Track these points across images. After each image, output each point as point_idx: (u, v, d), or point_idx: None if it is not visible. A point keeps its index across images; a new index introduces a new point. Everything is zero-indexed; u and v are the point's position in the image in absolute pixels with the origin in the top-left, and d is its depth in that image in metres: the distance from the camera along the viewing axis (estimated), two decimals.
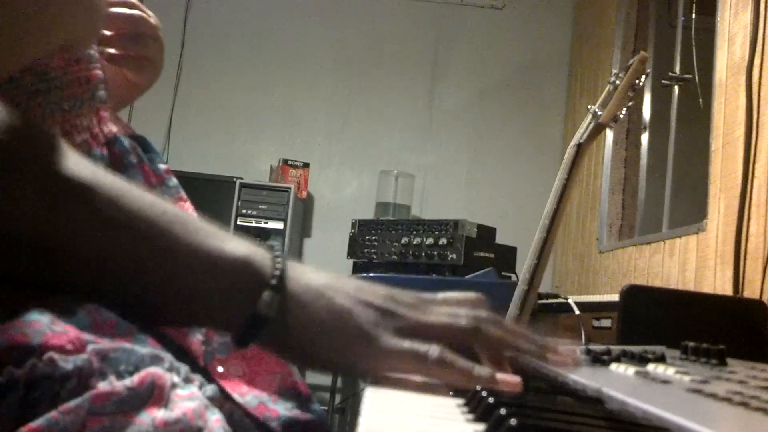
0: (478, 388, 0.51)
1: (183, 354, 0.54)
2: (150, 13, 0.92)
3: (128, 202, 0.52)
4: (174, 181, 0.75)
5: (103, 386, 0.42)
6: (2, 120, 0.49)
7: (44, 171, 0.50)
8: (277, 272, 0.53)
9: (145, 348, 0.46)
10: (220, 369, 0.60)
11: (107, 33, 0.86)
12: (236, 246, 0.54)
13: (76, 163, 0.51)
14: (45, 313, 0.46)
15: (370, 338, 0.54)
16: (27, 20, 0.55)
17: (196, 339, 0.61)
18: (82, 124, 0.64)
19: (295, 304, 0.53)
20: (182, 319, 0.55)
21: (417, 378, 0.57)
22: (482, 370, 0.56)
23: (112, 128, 0.69)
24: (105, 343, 0.45)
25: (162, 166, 0.74)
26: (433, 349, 0.54)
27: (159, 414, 0.43)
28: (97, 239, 0.51)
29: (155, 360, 0.46)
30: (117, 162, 0.66)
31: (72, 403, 0.41)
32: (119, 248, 0.51)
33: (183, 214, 0.54)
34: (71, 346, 0.44)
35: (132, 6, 0.89)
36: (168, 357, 0.47)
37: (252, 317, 0.52)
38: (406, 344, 0.55)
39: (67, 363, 0.43)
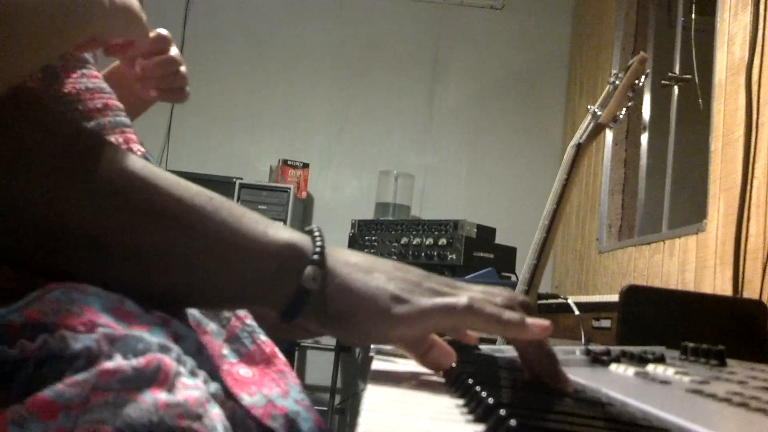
0: (478, 388, 0.51)
1: (199, 351, 0.56)
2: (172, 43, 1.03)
3: (179, 192, 0.55)
4: None
5: (109, 364, 0.43)
6: (55, 121, 0.53)
7: (99, 167, 0.53)
8: (318, 249, 0.57)
9: (157, 338, 0.48)
10: (227, 368, 0.61)
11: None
12: (279, 230, 0.58)
13: (127, 158, 0.54)
14: (67, 292, 0.47)
15: (404, 302, 0.57)
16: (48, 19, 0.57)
17: (217, 343, 0.63)
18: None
19: (335, 277, 0.57)
20: (232, 300, 0.59)
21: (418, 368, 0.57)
22: (513, 314, 0.58)
23: (140, 149, 0.74)
24: (118, 329, 0.46)
25: None
26: (462, 297, 0.58)
27: (162, 396, 0.44)
28: (151, 230, 0.53)
29: (163, 349, 0.47)
30: None
31: (78, 377, 0.42)
32: (170, 237, 0.54)
33: (227, 201, 0.58)
34: (83, 327, 0.45)
35: (170, 42, 1.01)
36: (176, 349, 0.48)
37: (297, 291, 0.56)
38: (438, 299, 0.58)
39: (77, 342, 0.44)
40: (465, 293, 0.59)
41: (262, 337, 0.69)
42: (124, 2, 0.68)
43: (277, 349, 0.69)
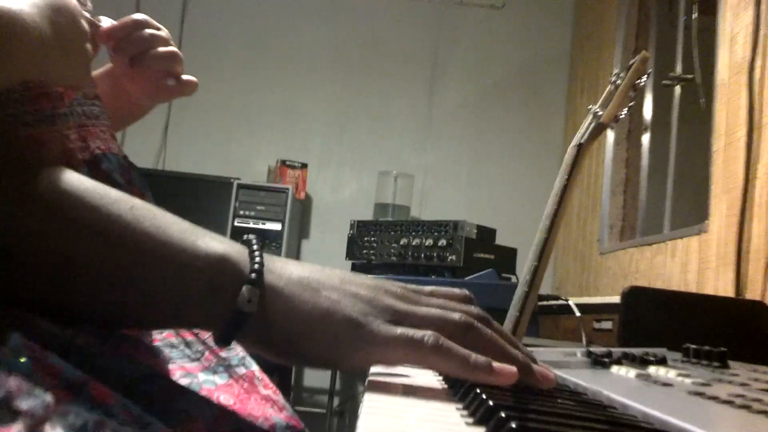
0: (478, 390, 0.51)
1: (153, 376, 0.51)
2: (160, 26, 0.95)
3: (94, 199, 0.50)
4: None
5: None
6: None
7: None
8: (256, 266, 0.51)
9: (90, 412, 0.42)
10: (206, 395, 0.58)
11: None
12: (210, 242, 0.52)
13: (35, 165, 0.50)
14: None
15: (361, 327, 0.52)
16: None
17: (178, 367, 0.60)
18: (57, 138, 0.63)
19: (277, 298, 0.51)
20: (162, 320, 0.53)
21: (409, 370, 0.55)
22: (480, 359, 0.54)
23: (102, 145, 0.67)
24: (39, 407, 0.40)
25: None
26: (429, 335, 0.52)
27: None
28: (58, 242, 0.49)
29: (98, 427, 0.41)
30: (101, 180, 0.65)
31: None
32: (83, 250, 0.49)
33: (152, 209, 0.52)
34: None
35: (145, 24, 0.92)
36: (114, 419, 0.43)
37: (232, 314, 0.50)
38: (400, 330, 0.52)
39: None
40: (424, 311, 0.55)
41: (241, 371, 0.65)
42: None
43: (257, 381, 0.65)
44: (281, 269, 0.53)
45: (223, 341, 0.51)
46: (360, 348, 0.52)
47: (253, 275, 0.51)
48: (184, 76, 0.96)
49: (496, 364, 0.54)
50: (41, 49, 0.60)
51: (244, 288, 0.50)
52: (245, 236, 0.55)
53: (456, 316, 0.56)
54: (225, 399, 0.59)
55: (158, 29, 0.93)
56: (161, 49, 0.92)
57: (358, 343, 0.52)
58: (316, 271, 0.54)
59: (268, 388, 0.65)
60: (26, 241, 0.49)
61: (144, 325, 0.54)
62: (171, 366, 0.60)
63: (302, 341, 0.52)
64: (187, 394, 0.53)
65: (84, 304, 0.50)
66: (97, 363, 0.47)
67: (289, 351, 0.52)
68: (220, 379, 0.61)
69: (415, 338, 0.52)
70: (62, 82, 0.64)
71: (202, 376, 0.60)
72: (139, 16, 0.92)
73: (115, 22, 0.89)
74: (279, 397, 0.65)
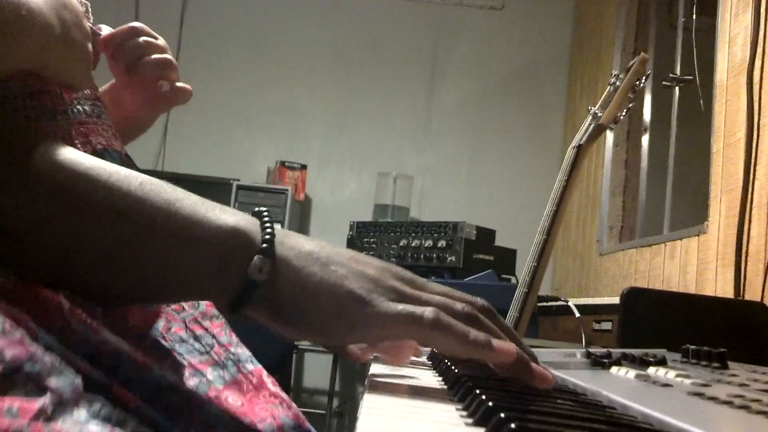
0: (478, 391, 0.50)
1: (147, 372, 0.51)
2: (157, 35, 0.97)
3: (104, 176, 0.51)
4: None
5: None
6: None
7: (13, 152, 0.49)
8: (267, 236, 0.52)
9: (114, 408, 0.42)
10: (215, 395, 0.58)
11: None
12: (221, 215, 0.53)
13: (41, 148, 0.51)
14: None
15: (364, 303, 0.53)
16: None
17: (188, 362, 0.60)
18: (57, 133, 0.63)
19: (287, 269, 0.52)
20: (174, 292, 0.54)
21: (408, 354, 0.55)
22: (479, 335, 0.54)
23: (104, 141, 0.68)
24: (68, 388, 0.40)
25: None
26: (429, 311, 0.53)
27: None
28: (73, 219, 0.49)
29: (121, 420, 0.41)
30: None
31: None
32: (93, 228, 0.50)
33: (162, 184, 0.53)
34: None
35: (141, 32, 0.94)
36: (134, 420, 0.43)
37: (243, 282, 0.51)
38: (401, 307, 0.53)
39: None
40: (428, 296, 0.56)
41: (249, 366, 0.65)
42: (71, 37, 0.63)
43: (266, 377, 0.66)
44: (292, 242, 0.54)
45: (233, 309, 0.52)
46: (361, 322, 0.53)
47: (265, 245, 0.52)
48: (179, 84, 0.97)
49: (495, 341, 0.54)
50: (45, 38, 0.60)
51: (256, 257, 0.51)
52: (256, 208, 0.56)
53: (459, 305, 0.56)
54: (233, 400, 0.59)
55: (155, 38, 0.95)
56: (155, 56, 0.94)
57: (359, 318, 0.52)
58: (326, 247, 0.55)
59: (275, 385, 0.66)
60: (37, 221, 0.49)
61: (156, 298, 0.55)
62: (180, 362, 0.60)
63: (307, 312, 0.52)
64: (208, 407, 0.53)
65: (97, 280, 0.51)
66: (122, 370, 0.48)
67: (295, 321, 0.53)
68: (228, 376, 0.61)
69: (415, 314, 0.53)
70: (62, 75, 0.64)
71: (210, 373, 0.60)
72: (136, 24, 0.93)
73: (113, 30, 0.91)
74: (285, 396, 0.65)
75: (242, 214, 0.54)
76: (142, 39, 0.93)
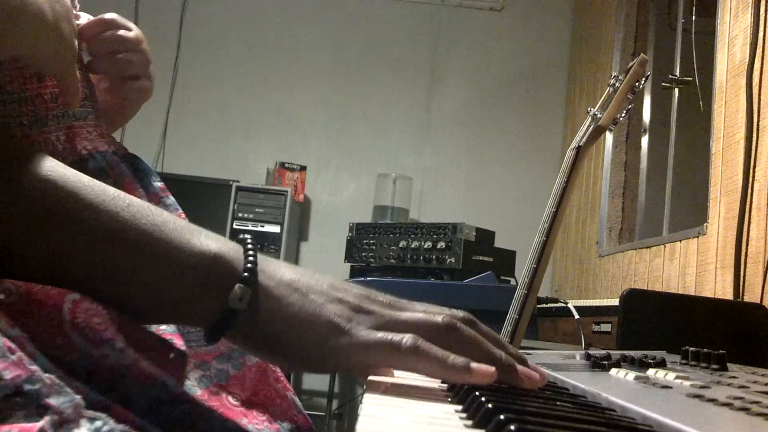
0: (477, 393, 0.50)
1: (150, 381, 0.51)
2: (131, 26, 0.90)
3: (90, 196, 0.51)
4: (171, 199, 0.75)
5: None
6: None
7: None
8: (249, 265, 0.52)
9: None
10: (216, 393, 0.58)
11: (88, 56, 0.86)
12: (205, 240, 0.53)
13: (31, 164, 0.51)
14: None
15: (342, 332, 0.53)
16: None
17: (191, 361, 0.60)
18: (47, 140, 0.63)
19: (267, 298, 0.53)
20: (154, 315, 0.54)
21: (392, 377, 0.55)
22: (457, 359, 0.54)
23: (89, 145, 0.67)
24: (68, 406, 0.41)
25: (157, 185, 0.74)
26: (407, 338, 0.53)
27: None
28: (56, 238, 0.50)
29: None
30: None
31: None
32: (78, 246, 0.50)
33: (149, 206, 0.53)
34: None
35: (110, 25, 0.87)
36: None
37: (222, 311, 0.51)
38: (380, 335, 0.54)
39: None
40: (407, 315, 0.56)
41: (253, 359, 0.65)
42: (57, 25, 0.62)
43: (269, 371, 0.65)
44: (273, 270, 0.54)
45: (211, 337, 0.52)
46: (340, 351, 0.53)
47: (246, 274, 0.52)
48: (138, 83, 0.92)
49: (473, 364, 0.54)
50: (37, 26, 0.60)
51: (237, 286, 0.51)
52: (241, 235, 0.56)
53: (438, 318, 0.57)
54: (234, 400, 0.59)
55: (128, 29, 0.90)
56: (120, 55, 0.88)
57: (338, 348, 0.53)
58: (307, 276, 0.56)
59: (279, 381, 0.66)
60: (23, 237, 0.49)
61: (137, 318, 0.55)
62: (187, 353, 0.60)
63: (286, 342, 0.53)
64: (210, 417, 0.53)
65: (81, 294, 0.50)
66: (122, 385, 0.48)
67: (273, 350, 0.53)
68: (233, 368, 0.62)
69: (393, 341, 0.53)
70: (51, 66, 0.64)
71: (215, 365, 0.60)
72: (108, 15, 0.88)
73: (90, 18, 0.86)
74: (288, 393, 0.65)
75: (226, 240, 0.55)
76: (109, 33, 0.87)
